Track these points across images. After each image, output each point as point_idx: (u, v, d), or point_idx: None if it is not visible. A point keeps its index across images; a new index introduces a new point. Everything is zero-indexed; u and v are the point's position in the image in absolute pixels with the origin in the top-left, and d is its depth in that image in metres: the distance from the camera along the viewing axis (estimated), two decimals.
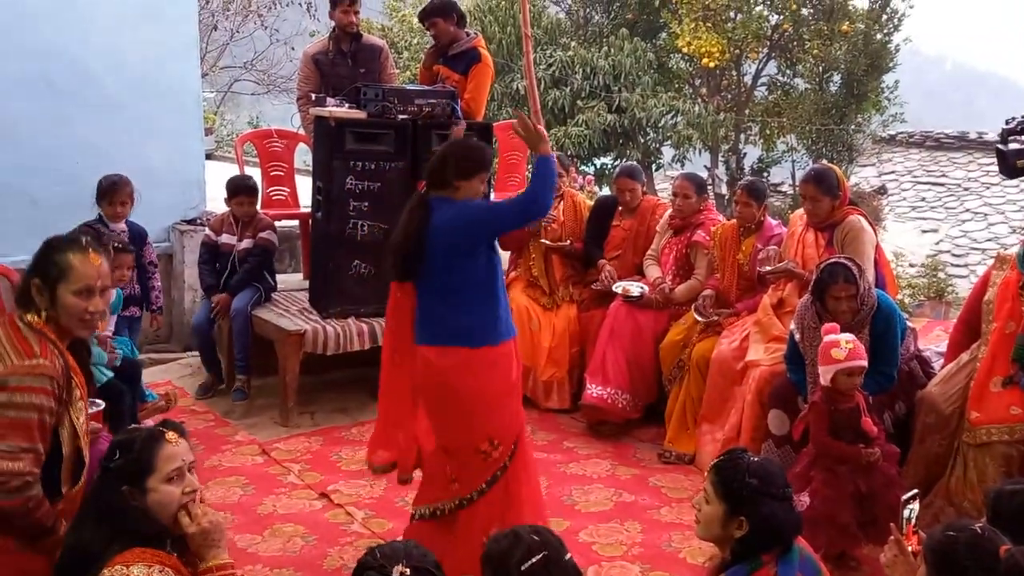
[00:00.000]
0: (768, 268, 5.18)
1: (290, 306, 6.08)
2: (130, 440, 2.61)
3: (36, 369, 2.74)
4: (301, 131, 6.89)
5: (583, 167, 14.80)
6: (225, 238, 6.12)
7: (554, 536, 2.51)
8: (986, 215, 15.21)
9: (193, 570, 2.60)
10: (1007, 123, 3.50)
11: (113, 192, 5.62)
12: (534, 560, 2.36)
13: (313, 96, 6.24)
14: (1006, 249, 6.19)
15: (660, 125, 15.46)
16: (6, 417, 2.70)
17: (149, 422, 5.16)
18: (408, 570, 2.26)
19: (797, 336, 4.57)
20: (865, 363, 4.10)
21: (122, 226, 5.67)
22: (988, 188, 15.72)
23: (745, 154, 16.60)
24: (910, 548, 2.65)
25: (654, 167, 16.29)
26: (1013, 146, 3.53)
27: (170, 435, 2.65)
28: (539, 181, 3.73)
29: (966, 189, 16.04)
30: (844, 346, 4.04)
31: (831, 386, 4.06)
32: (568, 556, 2.45)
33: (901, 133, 17.56)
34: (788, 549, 2.67)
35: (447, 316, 3.78)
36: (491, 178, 6.18)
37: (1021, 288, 4.29)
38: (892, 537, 2.67)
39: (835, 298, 4.37)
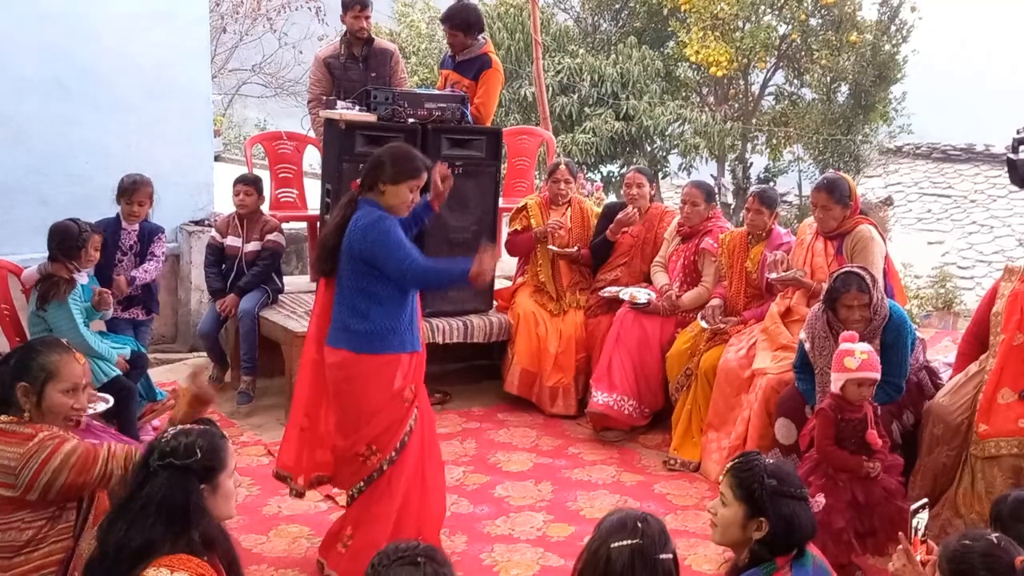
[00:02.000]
0: (776, 275, 5.17)
1: (297, 308, 6.08)
2: (198, 439, 2.64)
3: (46, 440, 2.97)
4: (311, 134, 6.90)
5: (590, 174, 14.81)
6: (231, 240, 6.12)
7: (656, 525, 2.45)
8: (992, 227, 15.19)
9: None
10: (1018, 132, 3.50)
11: (133, 191, 5.63)
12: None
13: (324, 99, 6.25)
14: (1013, 261, 6.20)
15: (667, 133, 15.49)
16: (70, 469, 2.96)
17: (159, 421, 5.19)
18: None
19: (807, 345, 4.55)
20: (878, 376, 4.06)
21: (135, 226, 5.67)
22: (995, 200, 15.70)
23: (752, 163, 16.63)
24: (919, 557, 2.65)
25: (661, 175, 16.31)
26: (1020, 156, 3.53)
27: (225, 432, 2.77)
28: (436, 275, 3.94)
29: (972, 201, 16.02)
30: (858, 356, 4.00)
31: (840, 394, 4.04)
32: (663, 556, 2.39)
33: (908, 144, 17.56)
34: (802, 553, 2.66)
35: (341, 317, 3.91)
36: (499, 182, 6.26)
37: None
38: (901, 546, 2.67)
39: (847, 307, 4.34)
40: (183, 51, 7.20)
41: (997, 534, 2.23)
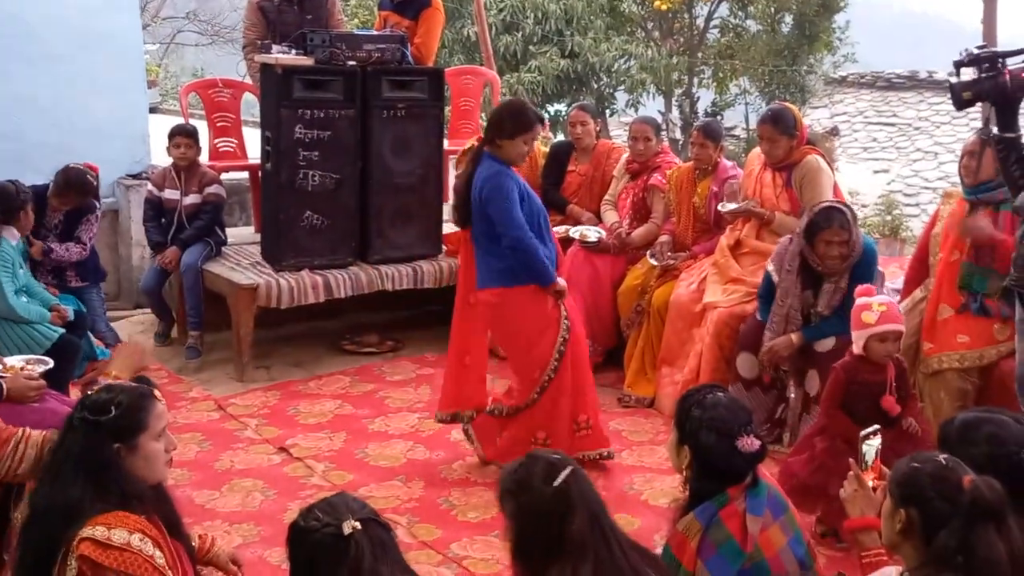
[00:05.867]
0: (729, 208, 5.15)
1: (242, 260, 5.97)
2: (118, 397, 2.54)
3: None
4: (248, 80, 6.72)
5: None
6: (169, 193, 5.98)
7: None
8: (936, 154, 15.34)
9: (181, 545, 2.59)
10: (960, 54, 3.49)
11: (56, 194, 5.56)
12: (565, 474, 2.32)
13: (259, 44, 6.08)
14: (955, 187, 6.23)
15: (613, 70, 15.35)
16: None
17: (103, 379, 5.10)
18: (358, 523, 2.20)
19: (774, 277, 4.49)
20: (901, 328, 3.77)
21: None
22: (938, 127, 15.84)
23: (699, 98, 16.58)
24: (871, 483, 2.67)
25: (608, 112, 16.20)
26: (962, 78, 3.53)
27: (157, 392, 2.64)
28: (525, 254, 4.24)
29: (917, 129, 16.15)
30: (876, 309, 3.69)
31: (864, 354, 3.73)
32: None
33: (852, 74, 17.61)
34: (756, 483, 2.67)
35: (483, 260, 4.36)
36: (444, 124, 6.16)
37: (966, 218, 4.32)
38: (851, 472, 2.69)
39: (827, 242, 4.26)
40: None
41: (945, 455, 2.24)
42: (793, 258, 4.42)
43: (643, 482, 4.44)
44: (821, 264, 4.33)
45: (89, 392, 2.63)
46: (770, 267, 4.55)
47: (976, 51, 3.50)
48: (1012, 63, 3.45)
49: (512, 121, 4.27)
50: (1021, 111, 3.53)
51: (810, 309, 4.45)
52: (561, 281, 4.39)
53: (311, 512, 2.25)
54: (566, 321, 4.39)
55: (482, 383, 4.65)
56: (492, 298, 4.36)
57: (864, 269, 4.38)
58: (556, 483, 2.31)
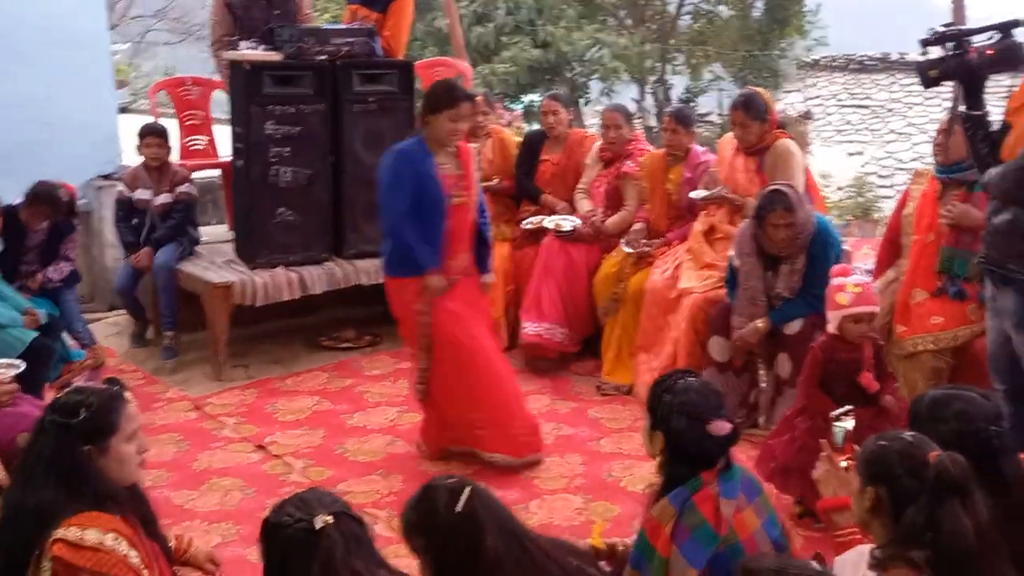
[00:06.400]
0: (702, 195, 5.17)
1: (216, 258, 5.94)
2: (88, 398, 2.52)
3: None
4: (216, 77, 6.68)
5: (511, 104, 14.67)
6: (140, 193, 5.93)
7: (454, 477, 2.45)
8: (910, 135, 15.43)
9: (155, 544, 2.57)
10: (926, 33, 3.51)
11: (25, 205, 5.45)
12: (466, 497, 2.29)
13: (227, 40, 6.04)
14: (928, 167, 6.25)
15: (586, 58, 15.37)
16: None
17: (79, 380, 5.07)
18: (330, 518, 2.20)
19: (736, 262, 4.54)
20: (875, 309, 3.85)
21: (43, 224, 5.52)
22: (911, 108, 15.92)
23: (672, 85, 16.62)
24: (844, 463, 2.69)
25: (583, 102, 16.20)
26: (928, 57, 3.55)
27: (128, 394, 2.62)
28: (405, 253, 4.29)
29: (890, 110, 16.23)
30: (850, 290, 3.75)
31: (837, 334, 3.80)
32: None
33: (825, 57, 17.68)
34: (729, 467, 2.68)
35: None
36: (415, 116, 6.13)
37: (939, 198, 4.34)
38: (823, 453, 2.70)
39: (774, 225, 4.31)
40: None
41: (912, 433, 2.26)
42: (748, 242, 4.47)
43: (622, 469, 4.46)
44: (773, 246, 4.36)
45: (60, 394, 2.62)
46: (731, 252, 4.59)
47: (942, 30, 3.52)
48: (977, 41, 3.47)
49: (436, 96, 4.26)
50: (988, 88, 3.55)
51: (772, 291, 4.49)
52: (436, 279, 4.31)
53: (283, 508, 2.24)
54: (426, 318, 4.35)
55: None
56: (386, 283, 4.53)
57: (820, 248, 4.42)
58: (459, 508, 2.27)
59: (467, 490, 2.30)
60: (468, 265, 4.48)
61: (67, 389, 2.63)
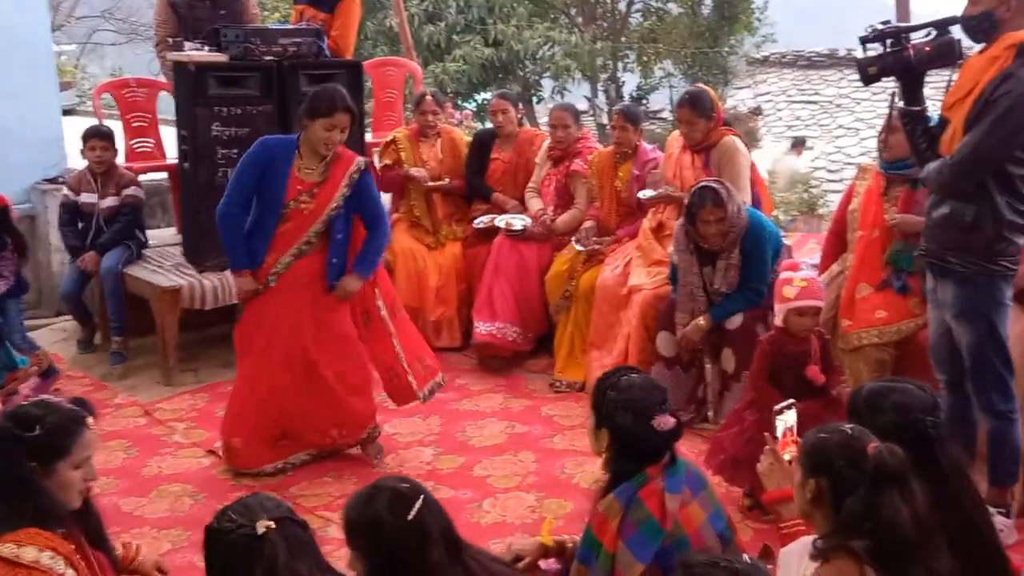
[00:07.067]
0: (649, 195, 5.22)
1: (164, 262, 5.87)
2: (48, 416, 2.47)
3: None
4: (162, 78, 6.60)
5: (463, 103, 14.66)
6: (85, 197, 5.84)
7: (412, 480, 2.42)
8: (858, 130, 15.61)
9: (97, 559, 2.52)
10: (865, 31, 3.57)
11: None
12: (418, 506, 2.26)
13: (171, 41, 5.97)
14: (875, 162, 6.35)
15: (538, 57, 15.39)
16: None
17: (25, 389, 4.98)
18: (272, 523, 2.18)
19: (675, 259, 4.61)
20: (820, 303, 3.89)
21: None
22: (859, 104, 16.11)
23: (624, 82, 16.70)
24: (787, 456, 2.72)
25: (535, 100, 16.24)
26: (868, 54, 3.60)
27: (90, 420, 2.56)
28: (225, 243, 4.36)
29: (838, 106, 16.41)
30: (797, 284, 3.79)
31: (783, 327, 3.85)
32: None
33: (774, 54, 17.86)
34: (674, 462, 2.70)
35: None
36: (364, 115, 6.11)
37: (883, 194, 4.41)
38: (767, 447, 2.73)
39: (705, 221, 4.38)
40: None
41: (852, 425, 2.30)
42: (683, 238, 4.53)
43: (574, 466, 4.48)
44: (705, 241, 4.40)
45: (19, 403, 2.56)
46: (671, 249, 4.64)
47: (880, 27, 3.58)
48: (915, 38, 3.53)
49: (317, 102, 4.17)
50: (929, 84, 3.61)
51: (711, 287, 4.54)
52: (245, 280, 4.29)
53: (225, 514, 2.23)
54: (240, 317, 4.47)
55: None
56: None
57: (753, 242, 4.48)
58: (411, 516, 2.24)
59: (420, 498, 2.28)
60: (315, 272, 4.34)
61: (33, 400, 2.57)
